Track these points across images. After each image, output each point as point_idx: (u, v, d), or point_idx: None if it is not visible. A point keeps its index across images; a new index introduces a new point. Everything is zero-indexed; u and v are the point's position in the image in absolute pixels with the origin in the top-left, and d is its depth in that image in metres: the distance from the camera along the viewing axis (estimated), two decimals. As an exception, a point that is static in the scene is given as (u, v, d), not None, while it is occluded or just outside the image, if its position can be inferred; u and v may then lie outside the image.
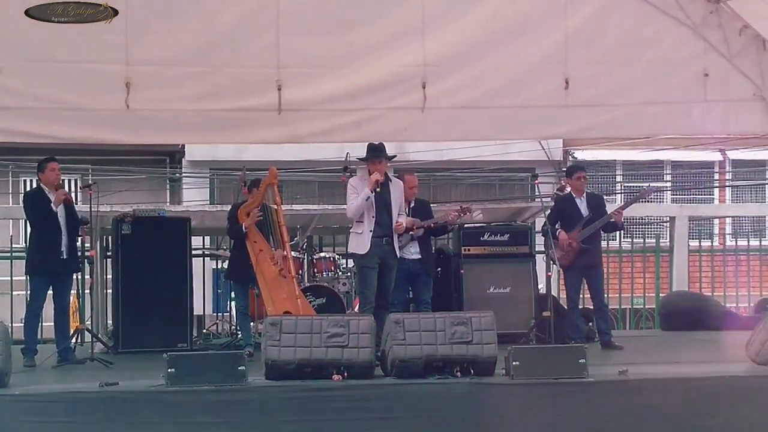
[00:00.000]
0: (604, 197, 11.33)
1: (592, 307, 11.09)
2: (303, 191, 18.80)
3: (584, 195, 10.67)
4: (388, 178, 9.68)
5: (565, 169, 11.14)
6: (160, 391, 7.50)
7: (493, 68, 10.47)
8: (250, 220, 10.00)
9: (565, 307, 11.28)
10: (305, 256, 11.42)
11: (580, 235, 10.45)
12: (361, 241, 9.57)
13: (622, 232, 11.59)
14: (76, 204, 10.41)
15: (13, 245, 12.45)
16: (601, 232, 10.75)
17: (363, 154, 9.75)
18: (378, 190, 9.45)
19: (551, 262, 10.51)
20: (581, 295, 11.01)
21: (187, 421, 7.46)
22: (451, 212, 10.61)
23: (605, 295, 10.95)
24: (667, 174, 20.40)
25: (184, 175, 19.47)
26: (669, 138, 17.12)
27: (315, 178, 18.60)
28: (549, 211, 10.67)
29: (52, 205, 9.53)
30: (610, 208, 10.79)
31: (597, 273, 10.70)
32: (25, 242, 10.05)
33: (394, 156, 9.84)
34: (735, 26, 10.49)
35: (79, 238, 10.01)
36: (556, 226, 10.54)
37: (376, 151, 9.65)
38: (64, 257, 9.57)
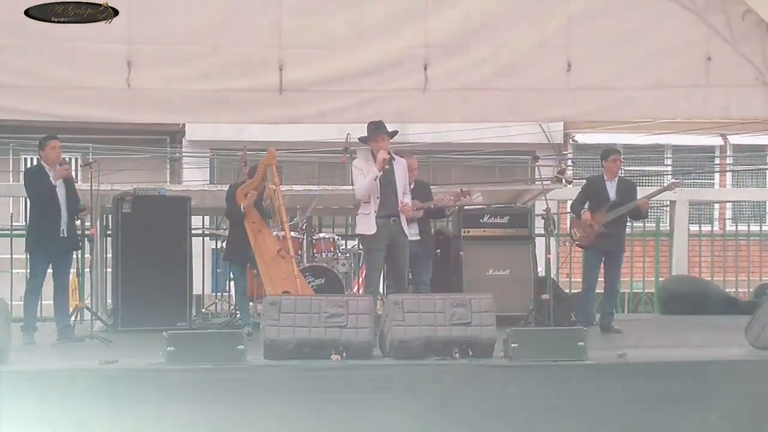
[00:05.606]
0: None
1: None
2: (303, 172, 18.78)
3: (616, 179, 10.63)
4: (391, 157, 9.41)
5: (599, 153, 11.04)
6: (159, 370, 7.50)
7: (495, 50, 10.45)
8: (248, 200, 9.99)
9: (565, 290, 11.30)
10: (305, 237, 11.42)
11: (603, 218, 10.43)
12: (369, 223, 9.36)
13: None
14: (77, 182, 10.40)
15: (14, 223, 12.47)
16: (627, 218, 10.71)
17: (364, 135, 9.63)
18: (387, 167, 9.21)
19: (572, 240, 10.56)
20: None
21: (185, 399, 7.45)
22: (449, 195, 10.60)
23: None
24: (667, 158, 20.36)
25: (184, 154, 19.47)
26: (670, 122, 17.10)
27: (315, 159, 18.58)
28: (581, 189, 10.80)
29: (51, 179, 9.52)
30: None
31: (617, 257, 10.65)
32: (25, 220, 10.04)
33: (396, 132, 9.53)
34: (738, 11, 10.45)
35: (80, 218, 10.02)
36: (585, 206, 10.57)
37: (377, 128, 9.39)
38: (64, 235, 9.57)
